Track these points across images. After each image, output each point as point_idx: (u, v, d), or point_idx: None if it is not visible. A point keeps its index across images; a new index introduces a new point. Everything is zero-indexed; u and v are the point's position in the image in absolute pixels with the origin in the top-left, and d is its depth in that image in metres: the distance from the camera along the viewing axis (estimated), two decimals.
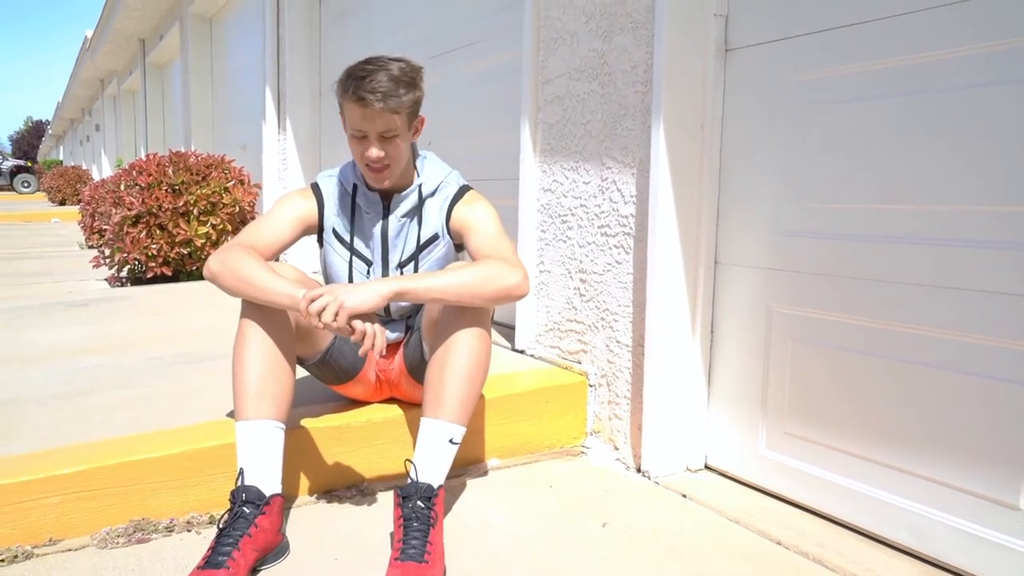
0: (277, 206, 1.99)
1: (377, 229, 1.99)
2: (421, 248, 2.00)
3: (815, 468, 1.94)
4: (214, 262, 1.77)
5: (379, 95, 1.75)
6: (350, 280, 2.00)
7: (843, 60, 1.82)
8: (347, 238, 2.01)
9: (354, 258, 2.01)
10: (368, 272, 2.02)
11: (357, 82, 1.76)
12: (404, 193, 1.98)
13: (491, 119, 3.31)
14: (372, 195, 1.98)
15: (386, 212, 1.99)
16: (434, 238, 2.00)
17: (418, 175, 2.01)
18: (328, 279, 2.08)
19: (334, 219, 2.01)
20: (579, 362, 2.50)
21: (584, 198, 2.45)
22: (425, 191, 1.99)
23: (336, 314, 1.60)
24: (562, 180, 2.55)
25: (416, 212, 2.00)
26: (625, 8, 2.25)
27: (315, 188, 2.03)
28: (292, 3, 5.40)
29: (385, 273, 2.01)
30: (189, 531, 1.78)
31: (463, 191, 2.02)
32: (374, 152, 1.82)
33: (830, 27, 1.85)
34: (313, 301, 1.61)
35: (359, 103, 1.76)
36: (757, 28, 2.03)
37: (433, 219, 2.00)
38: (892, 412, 1.76)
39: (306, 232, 2.01)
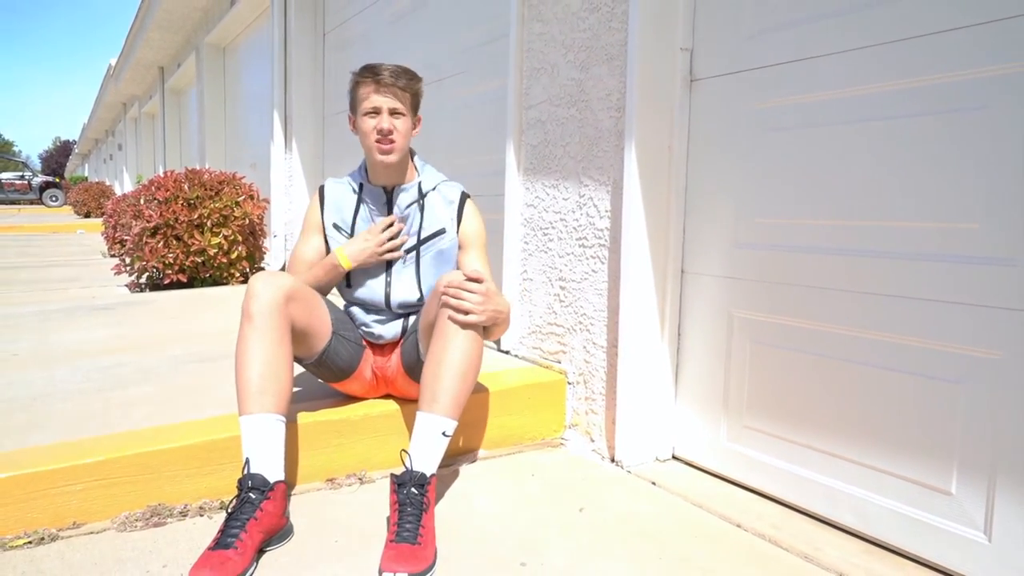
0: (304, 223, 2.13)
1: (380, 220, 2.05)
2: (425, 240, 2.06)
3: (771, 458, 1.95)
4: None
5: (390, 74, 1.92)
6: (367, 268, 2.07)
7: (791, 91, 1.84)
8: (347, 226, 2.07)
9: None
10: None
11: (373, 67, 1.93)
12: (405, 187, 2.06)
13: (479, 141, 3.32)
14: (376, 189, 2.05)
15: (389, 204, 2.05)
16: (441, 232, 2.07)
17: (418, 174, 2.09)
18: None
19: (334, 215, 2.08)
20: (559, 362, 2.50)
21: (563, 213, 2.46)
22: (425, 187, 2.07)
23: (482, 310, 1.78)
24: (543, 196, 2.55)
25: (417, 203, 2.06)
26: (601, 42, 2.26)
27: (320, 190, 2.13)
28: (298, 35, 5.40)
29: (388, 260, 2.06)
30: (201, 515, 1.77)
31: (466, 197, 2.12)
32: (386, 123, 1.92)
33: (780, 61, 1.87)
34: (486, 296, 1.78)
35: (375, 80, 1.92)
36: (718, 61, 2.05)
37: (439, 214, 2.07)
38: (839, 407, 1.77)
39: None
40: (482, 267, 2.05)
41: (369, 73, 1.92)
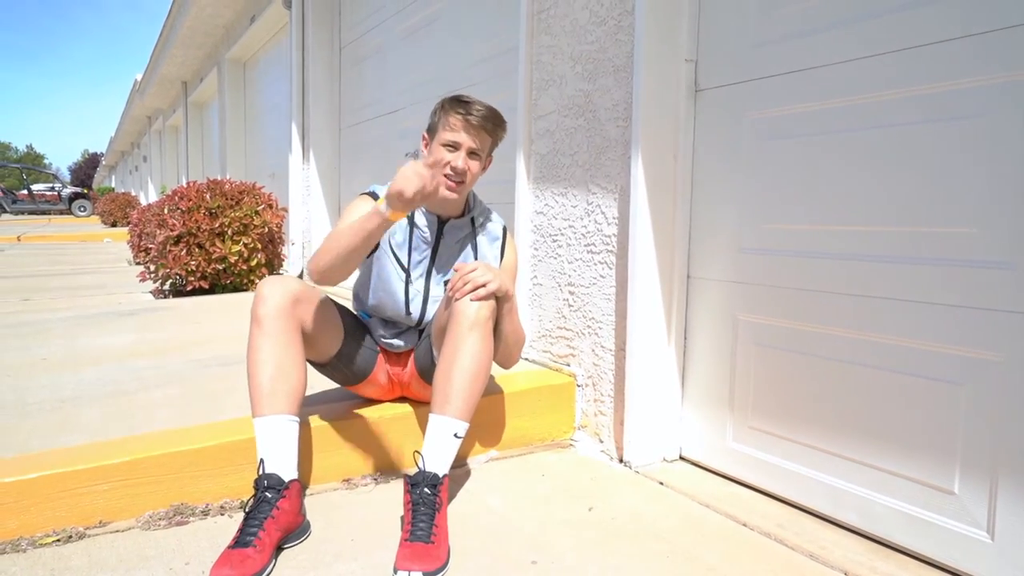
0: (349, 211, 1.95)
1: (428, 248, 2.02)
2: None
3: (776, 458, 1.93)
4: (311, 265, 1.78)
5: (480, 115, 1.87)
6: (406, 293, 1.99)
7: (793, 100, 1.84)
8: (399, 249, 2.00)
9: (400, 268, 2.00)
10: (410, 282, 2.00)
11: (465, 103, 1.88)
12: (459, 221, 2.03)
13: None
14: (430, 216, 2.01)
15: (439, 233, 2.02)
16: None
17: (471, 207, 2.07)
18: (375, 282, 2.02)
19: (391, 229, 1.97)
20: (568, 365, 2.50)
21: (572, 220, 2.45)
22: (477, 223, 2.06)
23: (488, 290, 1.75)
24: (553, 204, 2.55)
25: (469, 240, 2.05)
26: (607, 54, 2.26)
27: (374, 196, 1.99)
28: (315, 50, 5.43)
29: (427, 286, 2.02)
30: (222, 514, 1.77)
31: (506, 232, 2.13)
32: (461, 162, 1.88)
33: (782, 72, 1.86)
34: (478, 269, 1.76)
35: (465, 118, 1.86)
36: (722, 72, 2.05)
37: (485, 252, 2.07)
38: (843, 408, 1.75)
39: None
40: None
41: (461, 108, 1.86)
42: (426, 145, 1.97)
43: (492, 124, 1.90)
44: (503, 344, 1.92)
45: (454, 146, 1.88)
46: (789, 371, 1.88)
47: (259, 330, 1.73)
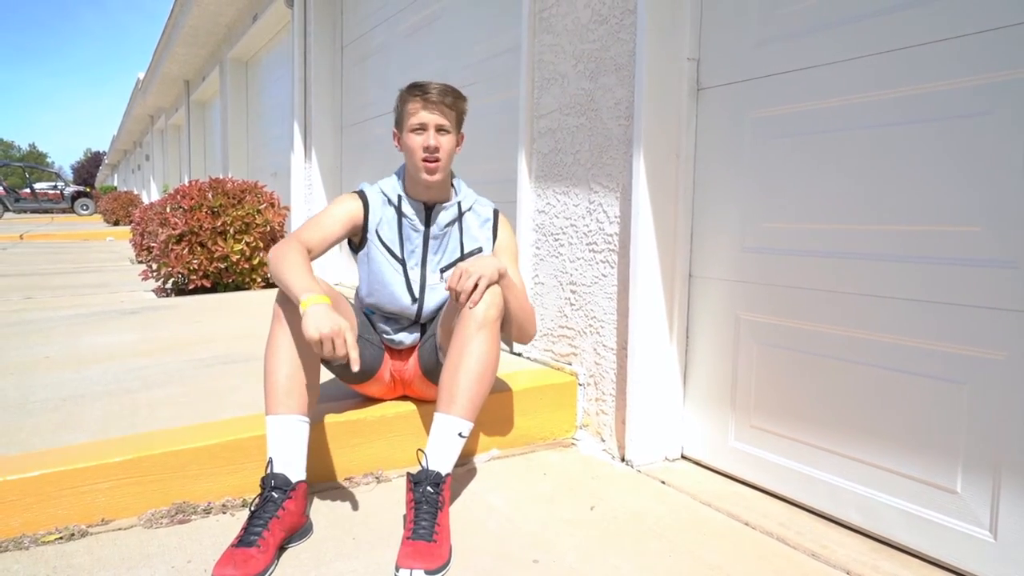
0: (331, 206, 1.99)
1: (419, 236, 2.02)
2: (464, 256, 2.05)
3: (778, 457, 1.93)
4: (273, 251, 1.81)
5: (437, 92, 1.90)
6: (408, 281, 2.02)
7: (795, 99, 1.83)
8: (390, 241, 2.01)
9: (395, 260, 2.00)
10: (406, 272, 2.01)
11: (420, 86, 1.92)
12: (445, 205, 2.03)
13: (491, 149, 3.32)
14: (417, 204, 2.01)
15: (428, 221, 2.02)
16: (478, 251, 2.06)
17: (456, 193, 2.07)
18: (369, 277, 2.04)
19: (378, 222, 2.01)
20: (570, 364, 2.49)
21: (574, 219, 2.45)
22: (464, 207, 2.06)
23: (476, 285, 1.77)
24: (554, 203, 2.55)
25: (456, 223, 2.05)
26: (609, 52, 2.26)
27: (360, 194, 2.03)
28: (317, 49, 5.43)
29: (423, 275, 2.03)
30: (224, 513, 1.77)
31: (497, 213, 2.13)
32: (432, 140, 1.90)
33: (784, 70, 1.86)
34: (462, 276, 1.79)
35: (422, 98, 1.90)
36: (724, 70, 2.04)
37: (475, 234, 2.07)
38: (844, 407, 1.75)
39: (352, 231, 2.00)
40: (512, 275, 1.99)
41: (417, 90, 1.90)
42: (397, 140, 2.00)
43: (451, 98, 1.93)
44: (513, 321, 1.93)
45: (421, 127, 1.91)
46: (791, 370, 1.88)
47: (281, 328, 1.73)
